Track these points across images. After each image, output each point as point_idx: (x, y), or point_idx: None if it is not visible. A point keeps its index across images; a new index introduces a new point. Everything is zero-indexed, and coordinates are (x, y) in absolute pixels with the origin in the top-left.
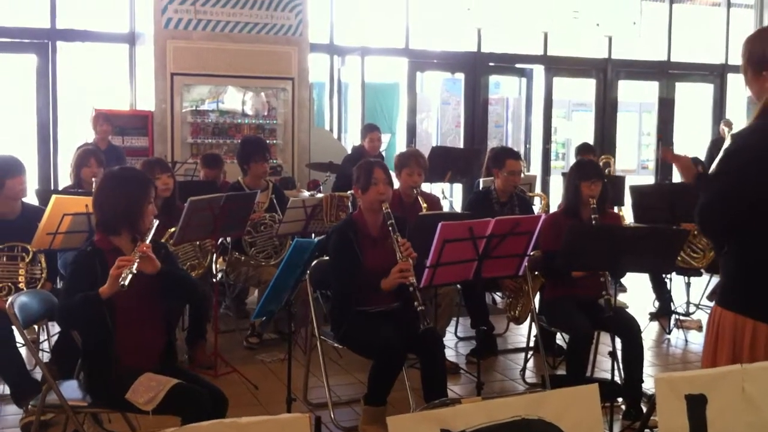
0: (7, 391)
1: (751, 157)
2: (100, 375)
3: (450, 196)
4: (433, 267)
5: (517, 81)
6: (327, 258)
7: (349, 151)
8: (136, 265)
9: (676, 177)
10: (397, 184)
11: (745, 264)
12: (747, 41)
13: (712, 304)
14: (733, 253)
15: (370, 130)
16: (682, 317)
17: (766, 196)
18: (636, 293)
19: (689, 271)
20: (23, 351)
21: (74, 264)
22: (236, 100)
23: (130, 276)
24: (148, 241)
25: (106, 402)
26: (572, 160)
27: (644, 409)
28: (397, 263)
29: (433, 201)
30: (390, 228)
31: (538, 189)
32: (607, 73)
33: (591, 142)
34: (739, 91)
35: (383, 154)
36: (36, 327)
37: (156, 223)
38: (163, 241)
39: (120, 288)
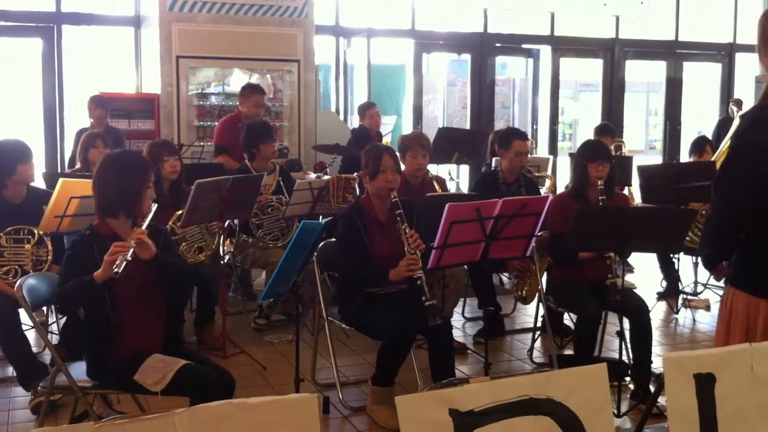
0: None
1: (748, 147)
2: (103, 359)
3: (456, 177)
4: (440, 248)
5: (524, 62)
6: (334, 240)
7: (350, 134)
8: (131, 251)
9: (684, 157)
10: (402, 167)
11: (758, 244)
12: (761, 18)
13: (719, 284)
14: (745, 235)
15: (368, 107)
16: (689, 297)
17: None
18: (644, 273)
19: (697, 251)
20: (32, 333)
21: (72, 249)
22: (242, 82)
23: (124, 263)
24: (145, 226)
25: (114, 383)
26: (580, 141)
27: (652, 389)
28: (404, 248)
29: (438, 182)
30: (398, 218)
31: (549, 171)
32: (614, 53)
33: (598, 122)
34: (747, 70)
35: (388, 135)
36: (45, 309)
37: (155, 207)
38: (170, 223)
39: (114, 275)
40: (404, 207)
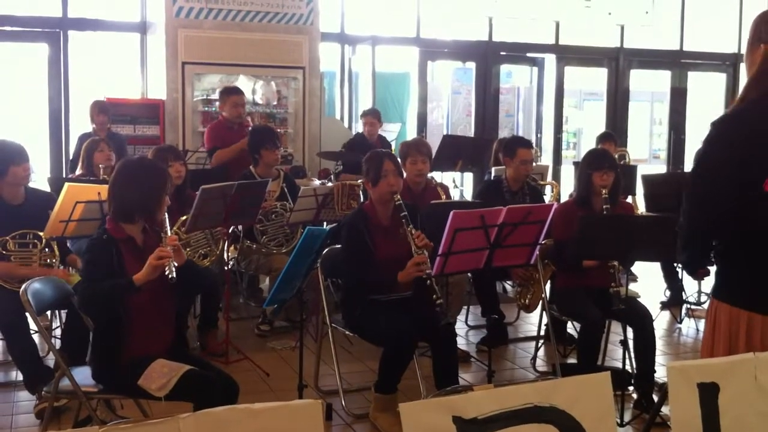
0: (21, 377)
1: (725, 154)
2: (109, 363)
3: (461, 185)
4: (444, 256)
5: (529, 70)
6: (339, 246)
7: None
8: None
9: (688, 166)
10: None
11: (737, 256)
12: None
13: None
14: (724, 246)
15: (363, 115)
16: (693, 306)
17: (748, 187)
18: (647, 283)
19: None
20: (36, 338)
21: (92, 252)
22: (247, 89)
23: (174, 266)
24: (171, 233)
25: (118, 388)
26: (584, 149)
27: (655, 399)
28: (410, 252)
29: (443, 190)
30: (403, 220)
31: (549, 179)
32: (619, 63)
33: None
34: None
35: (393, 143)
36: (48, 314)
37: (166, 215)
38: (175, 228)
39: (170, 281)
40: (408, 209)
